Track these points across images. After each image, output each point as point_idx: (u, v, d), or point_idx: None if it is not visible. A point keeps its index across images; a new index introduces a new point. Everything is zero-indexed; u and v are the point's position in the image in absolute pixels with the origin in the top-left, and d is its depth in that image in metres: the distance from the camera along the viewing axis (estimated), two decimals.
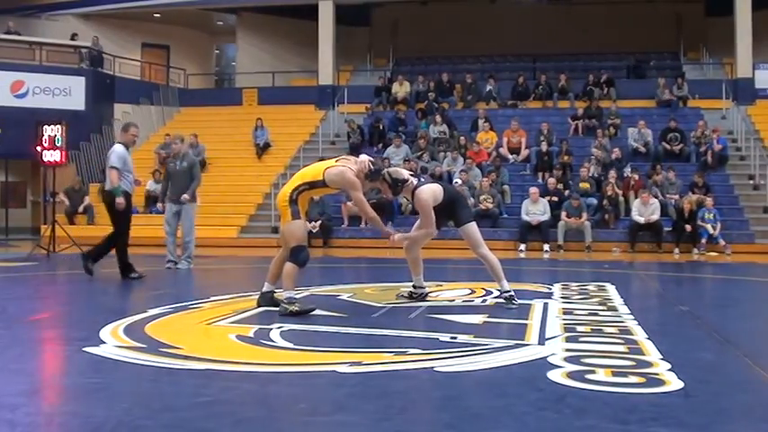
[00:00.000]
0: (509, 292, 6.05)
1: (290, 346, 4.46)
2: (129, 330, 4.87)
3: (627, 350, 4.30)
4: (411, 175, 6.28)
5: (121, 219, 8.57)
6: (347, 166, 5.83)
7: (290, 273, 5.62)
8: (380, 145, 18.32)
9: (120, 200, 8.39)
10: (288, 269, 5.62)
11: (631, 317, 5.54)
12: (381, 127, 18.76)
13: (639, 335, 4.78)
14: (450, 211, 6.14)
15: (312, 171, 5.89)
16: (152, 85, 22.64)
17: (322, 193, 6.24)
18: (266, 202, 16.90)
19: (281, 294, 5.78)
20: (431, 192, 6.09)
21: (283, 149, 19.24)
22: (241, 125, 20.23)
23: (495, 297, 6.39)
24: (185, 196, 9.72)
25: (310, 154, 18.98)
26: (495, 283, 6.26)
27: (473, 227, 6.13)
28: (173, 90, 22.93)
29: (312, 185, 5.79)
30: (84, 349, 4.28)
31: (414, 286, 6.45)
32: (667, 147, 17.12)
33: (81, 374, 3.86)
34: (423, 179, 6.35)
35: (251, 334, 4.79)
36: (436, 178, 15.07)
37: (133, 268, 8.51)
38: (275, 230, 15.33)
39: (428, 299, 6.40)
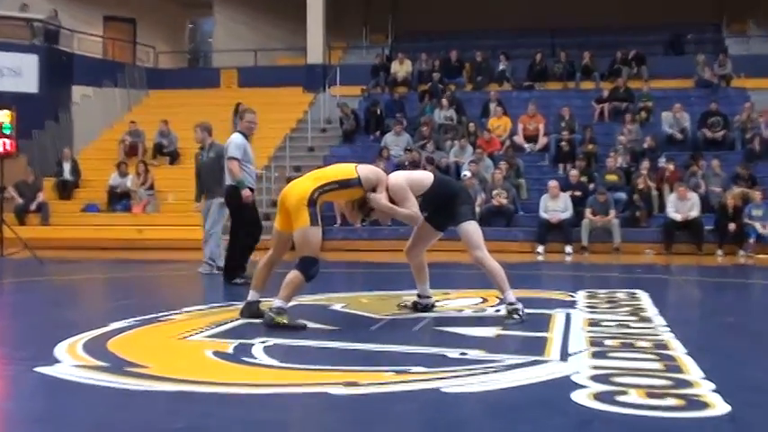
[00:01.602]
0: (514, 304, 5.89)
1: (276, 363, 4.45)
2: (88, 347, 4.85)
3: (663, 368, 4.29)
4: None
5: (247, 215, 8.59)
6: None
7: (295, 282, 5.57)
8: (378, 132, 18.33)
9: (246, 192, 8.47)
10: (293, 278, 5.57)
11: (668, 329, 5.53)
12: (379, 112, 18.79)
13: (678, 350, 4.78)
14: (450, 208, 6.05)
15: (344, 169, 5.87)
16: (116, 64, 22.68)
17: (348, 195, 5.97)
18: None
19: (268, 304, 5.74)
20: (403, 175, 6.06)
21: (267, 137, 19.20)
22: (218, 110, 19.99)
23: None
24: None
25: (298, 143, 19.01)
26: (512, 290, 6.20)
27: (473, 225, 5.97)
28: (140, 70, 22.95)
29: (343, 185, 5.74)
30: (35, 369, 4.25)
31: (418, 295, 6.43)
32: (707, 133, 17.14)
33: (31, 399, 3.84)
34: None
35: (230, 350, 4.79)
36: (442, 171, 15.07)
37: (243, 270, 8.54)
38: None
39: (434, 310, 6.38)
